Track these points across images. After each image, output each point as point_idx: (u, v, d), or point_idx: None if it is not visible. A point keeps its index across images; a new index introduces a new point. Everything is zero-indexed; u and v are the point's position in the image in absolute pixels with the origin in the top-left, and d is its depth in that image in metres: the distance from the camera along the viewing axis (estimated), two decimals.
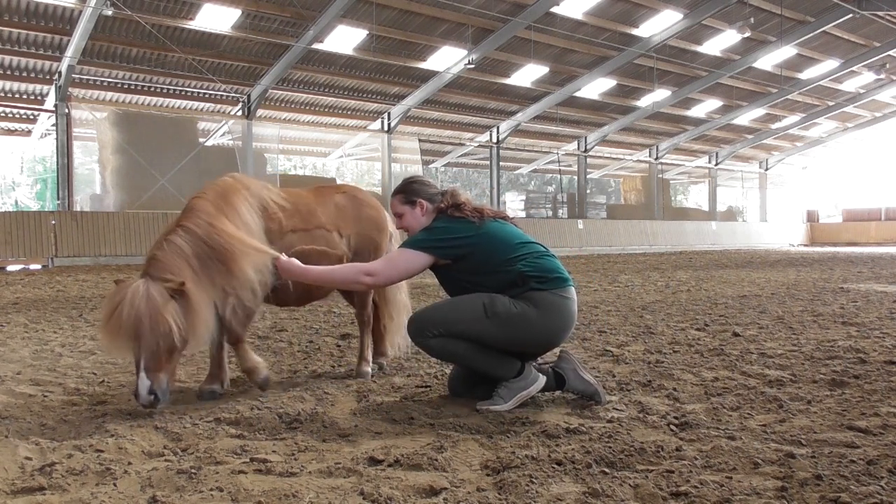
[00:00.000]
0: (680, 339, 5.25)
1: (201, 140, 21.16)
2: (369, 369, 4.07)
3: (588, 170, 30.92)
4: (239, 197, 3.56)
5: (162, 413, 3.19)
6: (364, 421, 3.06)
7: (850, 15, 21.64)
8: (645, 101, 26.97)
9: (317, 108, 23.57)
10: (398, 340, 4.30)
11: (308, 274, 3.40)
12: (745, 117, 30.57)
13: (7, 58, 17.61)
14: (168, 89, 20.13)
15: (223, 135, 23.22)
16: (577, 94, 24.97)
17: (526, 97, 25.49)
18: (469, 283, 3.36)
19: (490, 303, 3.24)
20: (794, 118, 32.04)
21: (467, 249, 3.34)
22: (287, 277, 3.45)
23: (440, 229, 3.39)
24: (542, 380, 3.33)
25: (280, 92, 21.72)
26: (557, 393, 3.48)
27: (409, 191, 3.53)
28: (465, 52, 20.69)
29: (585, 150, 29.84)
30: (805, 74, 26.85)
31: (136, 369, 3.08)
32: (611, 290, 9.56)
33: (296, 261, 3.40)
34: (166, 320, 3.07)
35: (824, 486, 2.24)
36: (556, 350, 3.64)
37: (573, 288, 3.41)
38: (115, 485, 2.31)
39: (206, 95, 21.03)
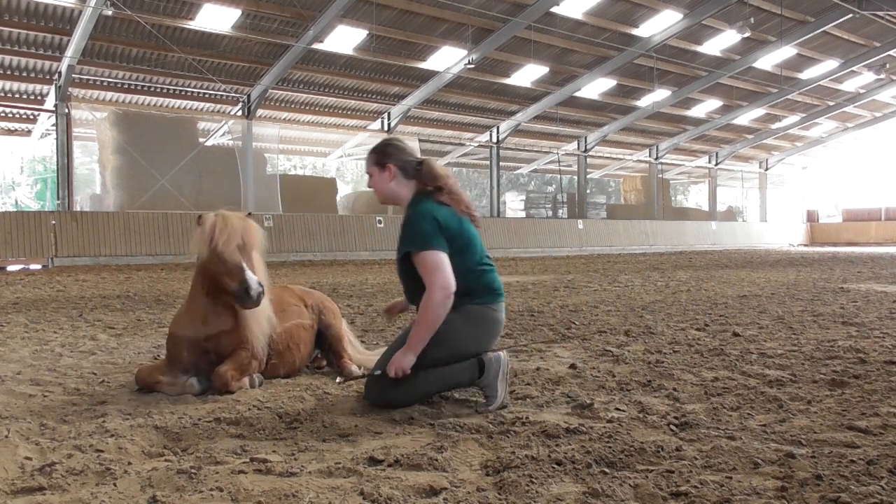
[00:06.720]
0: (680, 339, 5.25)
1: (201, 140, 21.17)
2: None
3: (588, 170, 30.92)
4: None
5: (161, 413, 3.19)
6: (364, 421, 3.06)
7: (850, 15, 21.65)
8: (645, 101, 26.97)
9: (317, 108, 23.57)
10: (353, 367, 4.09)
11: (419, 340, 3.17)
12: (745, 117, 30.57)
13: (7, 58, 17.62)
14: (168, 89, 20.14)
15: (223, 135, 23.25)
16: (577, 94, 24.97)
17: (526, 97, 25.49)
18: None
19: None
20: (794, 118, 32.05)
21: (454, 244, 3.28)
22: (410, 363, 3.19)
23: (430, 219, 3.24)
24: (502, 354, 3.29)
25: (280, 92, 21.72)
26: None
27: (383, 152, 3.42)
28: (465, 52, 20.70)
29: (585, 150, 29.84)
30: (805, 74, 26.85)
31: (238, 272, 3.37)
32: (611, 290, 9.56)
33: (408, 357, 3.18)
34: (261, 232, 3.58)
35: (824, 486, 2.24)
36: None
37: (503, 303, 3.47)
38: (115, 485, 2.30)
39: (206, 95, 21.04)
